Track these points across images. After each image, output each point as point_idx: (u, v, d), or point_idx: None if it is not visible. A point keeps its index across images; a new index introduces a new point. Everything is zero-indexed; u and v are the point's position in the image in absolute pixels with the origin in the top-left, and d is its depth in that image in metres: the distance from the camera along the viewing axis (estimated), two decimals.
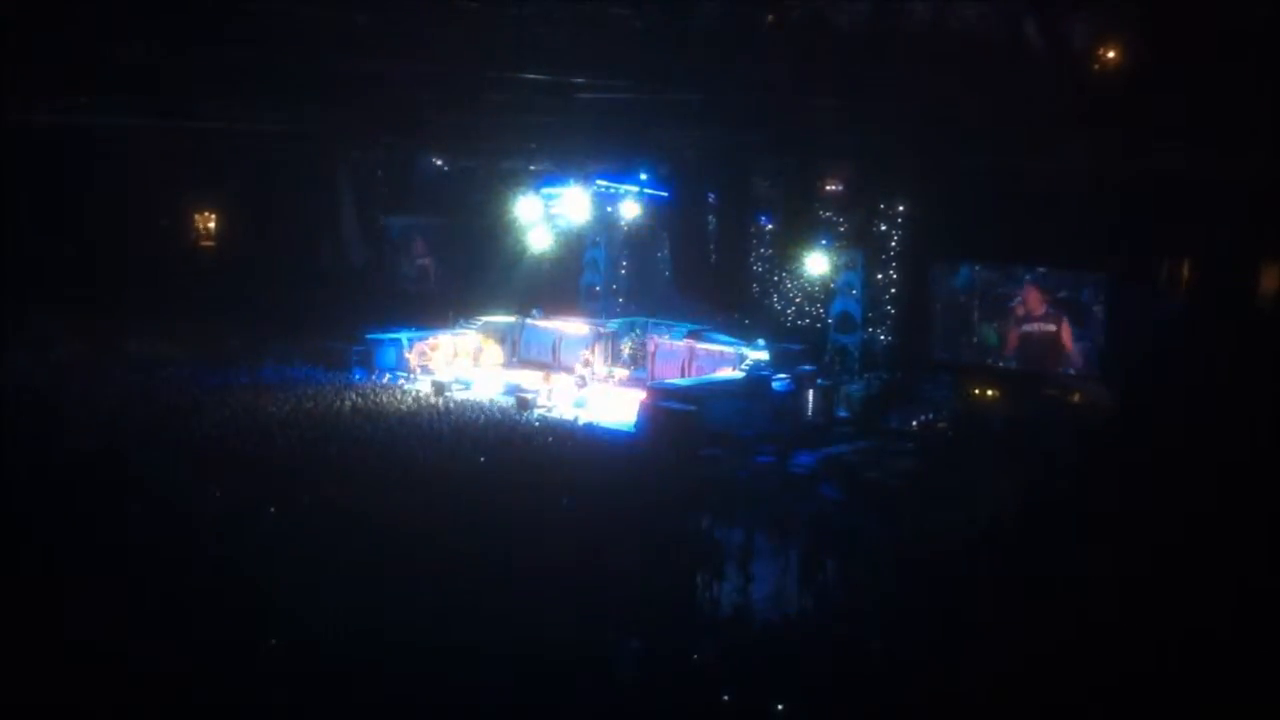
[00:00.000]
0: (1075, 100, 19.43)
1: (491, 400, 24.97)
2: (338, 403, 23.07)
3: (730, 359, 26.12)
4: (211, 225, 32.63)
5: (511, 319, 30.27)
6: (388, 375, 27.09)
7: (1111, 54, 19.25)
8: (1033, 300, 24.41)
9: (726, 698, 10.95)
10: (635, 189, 29.06)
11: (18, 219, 26.42)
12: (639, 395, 23.69)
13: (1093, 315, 23.77)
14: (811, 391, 24.08)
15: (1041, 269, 24.25)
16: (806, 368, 24.71)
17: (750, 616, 13.30)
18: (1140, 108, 19.06)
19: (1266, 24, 17.02)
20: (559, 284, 31.37)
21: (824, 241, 26.55)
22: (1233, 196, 20.40)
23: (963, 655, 11.45)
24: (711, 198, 29.06)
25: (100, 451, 17.92)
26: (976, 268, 25.01)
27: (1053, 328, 24.17)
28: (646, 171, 28.87)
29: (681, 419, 21.90)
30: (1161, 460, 17.09)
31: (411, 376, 27.30)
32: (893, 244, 26.45)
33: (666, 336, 28.03)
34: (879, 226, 26.48)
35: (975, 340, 25.01)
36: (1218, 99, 18.25)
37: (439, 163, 32.71)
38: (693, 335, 27.55)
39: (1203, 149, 19.93)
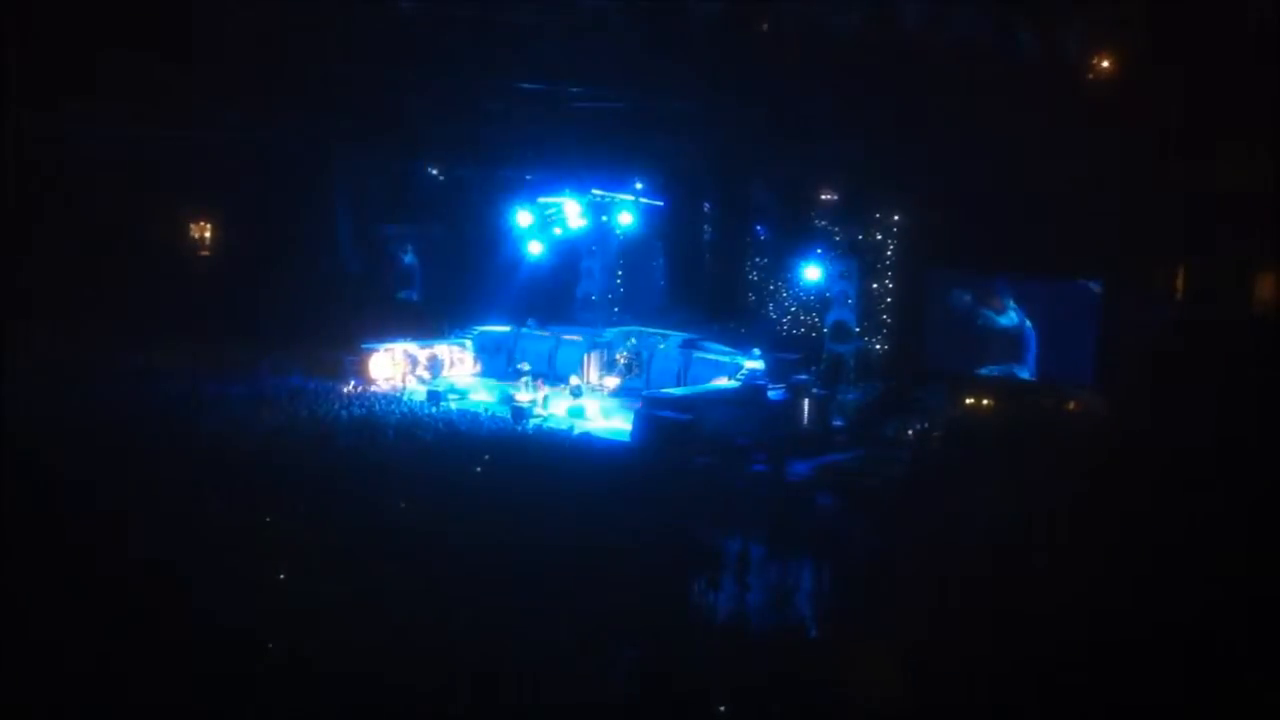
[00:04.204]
0: (1072, 106, 19.49)
1: (487, 409, 24.97)
2: (333, 413, 23.08)
3: (726, 368, 26.09)
4: (208, 235, 32.59)
5: (507, 328, 30.25)
6: (384, 384, 27.09)
7: (1107, 62, 19.32)
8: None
9: (723, 709, 10.93)
10: (631, 198, 29.12)
11: (13, 226, 26.37)
12: (635, 404, 23.72)
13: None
14: (807, 400, 24.07)
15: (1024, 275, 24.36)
16: (802, 377, 24.70)
17: (747, 626, 13.29)
18: (1138, 113, 19.12)
19: (1265, 28, 17.08)
20: (555, 293, 31.35)
21: (819, 251, 26.61)
22: (1230, 202, 20.46)
23: (960, 663, 11.44)
24: (707, 207, 29.07)
25: (97, 460, 17.89)
26: (968, 275, 25.03)
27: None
28: (642, 181, 28.91)
29: (677, 428, 21.91)
30: (1158, 466, 17.12)
31: (406, 386, 27.31)
32: (888, 253, 26.45)
33: (662, 346, 28.01)
34: (874, 235, 26.48)
35: (968, 348, 25.02)
36: (1216, 104, 18.31)
37: (434, 172, 32.68)
38: (688, 344, 27.53)
39: (1201, 154, 19.99)
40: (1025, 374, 24.39)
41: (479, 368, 29.83)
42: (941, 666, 11.35)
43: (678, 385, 26.07)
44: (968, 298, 24.96)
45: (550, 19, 19.72)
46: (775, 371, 25.14)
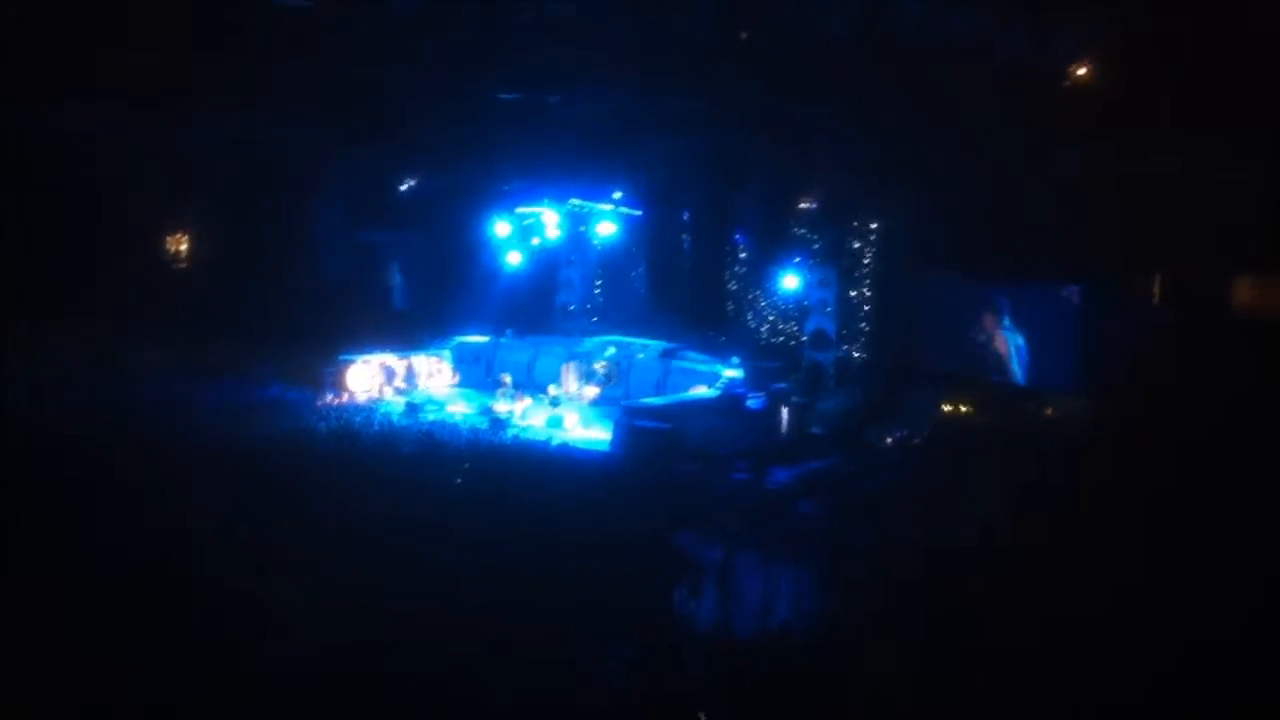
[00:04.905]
0: (1062, 110, 19.50)
1: (465, 420, 24.79)
2: (311, 423, 22.90)
3: (705, 377, 26.03)
4: (187, 243, 32.27)
5: (485, 339, 30.08)
6: (362, 395, 26.86)
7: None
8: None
9: (702, 716, 10.83)
10: (609, 207, 29.06)
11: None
12: (614, 414, 23.60)
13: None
14: (786, 408, 24.05)
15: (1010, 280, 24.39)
16: (781, 385, 24.66)
17: (730, 633, 13.18)
18: (1127, 117, 19.14)
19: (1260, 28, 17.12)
20: (533, 303, 31.22)
21: (798, 259, 26.62)
22: (1217, 204, 20.51)
23: (951, 668, 11.36)
24: (686, 216, 29.05)
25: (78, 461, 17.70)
26: (952, 279, 25.05)
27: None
28: (621, 190, 28.86)
29: (657, 437, 21.82)
30: (1141, 470, 17.12)
31: (384, 397, 27.11)
32: (866, 261, 26.47)
33: (641, 355, 27.92)
34: (853, 243, 26.51)
35: (950, 353, 25.04)
36: (1206, 108, 18.35)
37: (413, 181, 32.53)
38: (667, 354, 27.45)
39: (1190, 158, 20.01)
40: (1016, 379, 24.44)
41: (457, 378, 29.64)
42: (939, 667, 11.28)
43: (657, 395, 25.97)
44: (958, 305, 25.01)
45: (528, 20, 19.59)
46: (754, 380, 25.10)
